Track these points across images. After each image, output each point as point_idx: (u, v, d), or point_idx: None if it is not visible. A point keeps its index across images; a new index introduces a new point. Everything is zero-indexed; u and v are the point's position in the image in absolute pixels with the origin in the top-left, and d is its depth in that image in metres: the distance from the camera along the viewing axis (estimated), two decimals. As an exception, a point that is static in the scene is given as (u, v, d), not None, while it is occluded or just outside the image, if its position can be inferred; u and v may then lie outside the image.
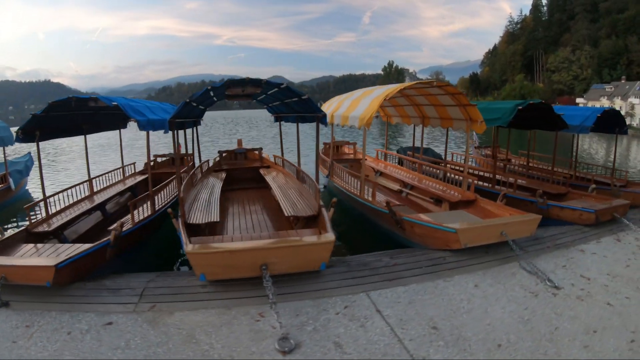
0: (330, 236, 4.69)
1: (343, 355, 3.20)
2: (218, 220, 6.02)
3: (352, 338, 3.44)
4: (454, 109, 7.97)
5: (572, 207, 6.96)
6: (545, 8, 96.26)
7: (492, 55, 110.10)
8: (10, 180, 9.88)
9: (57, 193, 7.12)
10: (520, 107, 7.28)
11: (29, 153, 12.61)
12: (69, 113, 6.72)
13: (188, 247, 4.33)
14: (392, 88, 7.11)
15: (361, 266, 5.05)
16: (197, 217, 6.05)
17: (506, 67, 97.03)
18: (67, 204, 7.05)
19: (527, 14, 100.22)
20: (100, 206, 7.61)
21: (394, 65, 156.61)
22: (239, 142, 12.02)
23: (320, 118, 6.66)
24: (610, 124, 9.31)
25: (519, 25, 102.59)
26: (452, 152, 13.11)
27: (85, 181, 8.05)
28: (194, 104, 6.82)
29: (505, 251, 5.34)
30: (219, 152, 11.36)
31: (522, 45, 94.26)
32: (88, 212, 7.20)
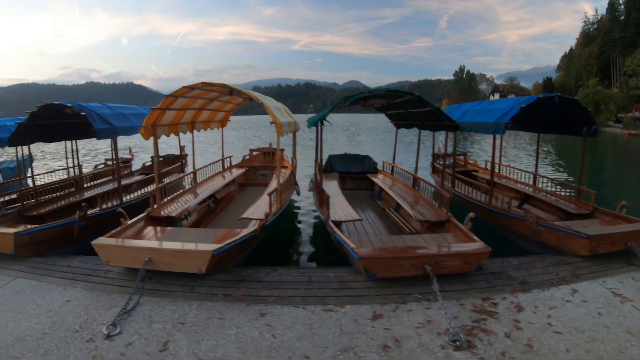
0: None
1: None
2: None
3: None
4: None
5: None
6: (622, 7, 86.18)
7: (568, 58, 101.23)
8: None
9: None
10: (346, 100, 6.57)
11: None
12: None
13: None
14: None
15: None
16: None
17: (581, 71, 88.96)
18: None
19: (604, 13, 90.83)
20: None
21: (466, 70, 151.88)
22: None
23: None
24: (571, 121, 7.46)
25: (595, 26, 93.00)
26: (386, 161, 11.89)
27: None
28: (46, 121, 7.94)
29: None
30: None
31: (597, 48, 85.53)
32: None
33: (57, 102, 7.29)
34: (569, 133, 7.83)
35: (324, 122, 7.18)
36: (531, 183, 9.42)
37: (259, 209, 6.95)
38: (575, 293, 4.52)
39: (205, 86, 6.71)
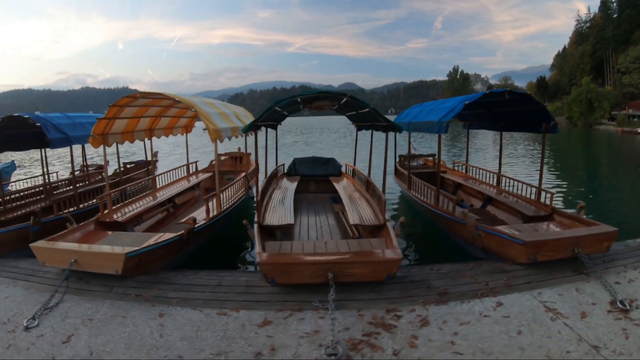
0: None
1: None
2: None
3: None
4: None
5: None
6: (615, 4, 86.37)
7: (561, 57, 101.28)
8: None
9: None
10: (276, 104, 6.32)
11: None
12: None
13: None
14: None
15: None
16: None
17: (575, 70, 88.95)
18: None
19: (597, 11, 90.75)
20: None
21: (459, 70, 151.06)
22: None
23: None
24: (530, 118, 7.19)
25: (587, 24, 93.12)
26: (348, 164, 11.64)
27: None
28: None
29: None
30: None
31: (590, 46, 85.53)
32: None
33: (17, 114, 7.54)
34: (529, 130, 7.50)
35: (258, 125, 7.01)
36: (496, 184, 9.03)
37: (200, 214, 7.01)
38: (500, 307, 4.07)
39: (143, 95, 6.95)
